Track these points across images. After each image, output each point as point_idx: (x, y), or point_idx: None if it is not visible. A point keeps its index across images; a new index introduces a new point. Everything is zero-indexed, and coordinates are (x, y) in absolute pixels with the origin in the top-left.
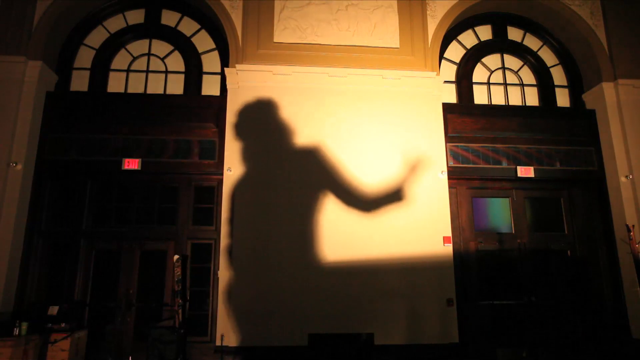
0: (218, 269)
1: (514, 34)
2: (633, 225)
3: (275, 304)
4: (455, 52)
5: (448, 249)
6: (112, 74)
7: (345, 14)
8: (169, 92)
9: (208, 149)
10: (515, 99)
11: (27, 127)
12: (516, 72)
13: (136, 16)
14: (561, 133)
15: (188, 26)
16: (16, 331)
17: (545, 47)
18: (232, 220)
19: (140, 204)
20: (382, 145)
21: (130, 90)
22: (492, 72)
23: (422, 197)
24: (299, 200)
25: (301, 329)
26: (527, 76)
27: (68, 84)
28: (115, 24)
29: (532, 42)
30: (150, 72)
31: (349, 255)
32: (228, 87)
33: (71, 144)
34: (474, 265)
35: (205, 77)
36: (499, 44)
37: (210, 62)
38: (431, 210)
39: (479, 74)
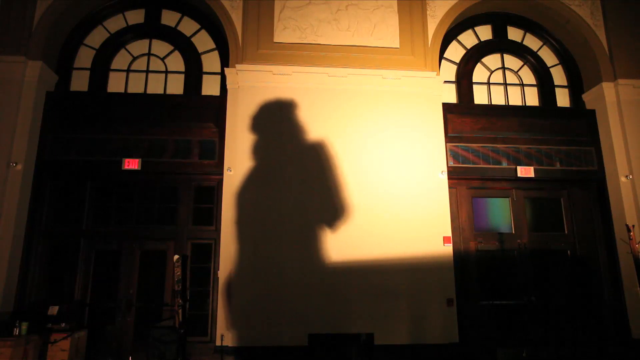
0: (218, 269)
1: (514, 34)
2: (633, 225)
3: (275, 304)
4: (455, 52)
5: (448, 249)
6: (112, 74)
7: (345, 14)
8: (169, 92)
9: (208, 149)
10: (515, 99)
11: (27, 127)
12: (516, 72)
13: (136, 16)
14: (561, 133)
15: (188, 26)
16: (16, 331)
17: (545, 47)
18: (233, 220)
19: (140, 204)
20: (383, 145)
21: (130, 90)
22: (492, 72)
23: (422, 197)
24: (299, 199)
25: (301, 329)
26: (527, 76)
27: (68, 84)
28: (115, 24)
29: (532, 42)
30: (150, 72)
31: (349, 255)
32: (228, 87)
33: (71, 144)
34: (474, 265)
35: (205, 77)
36: (499, 44)
37: (210, 62)
38: (431, 210)
39: (479, 74)
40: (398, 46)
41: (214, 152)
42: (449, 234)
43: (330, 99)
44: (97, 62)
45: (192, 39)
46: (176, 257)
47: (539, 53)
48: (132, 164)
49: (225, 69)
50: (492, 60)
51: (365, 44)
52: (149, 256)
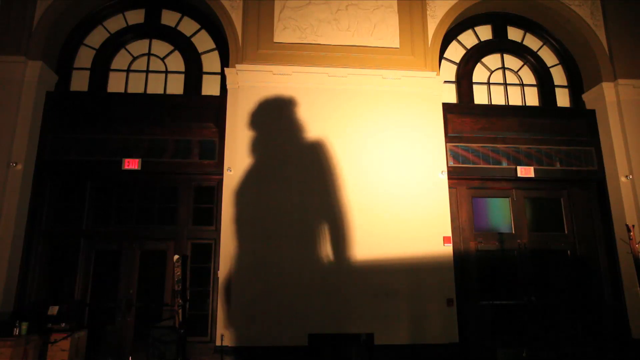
0: (218, 269)
1: (514, 34)
2: (633, 225)
3: (275, 304)
4: (455, 52)
5: (448, 249)
6: (112, 74)
7: (345, 14)
8: (169, 92)
9: (208, 149)
10: (515, 99)
11: (27, 127)
12: (516, 72)
13: (136, 16)
14: (561, 133)
15: (188, 26)
16: (16, 331)
17: (545, 47)
18: (233, 220)
19: (140, 204)
20: (382, 145)
21: (130, 90)
22: (492, 72)
23: (422, 197)
24: (299, 200)
25: (301, 329)
26: (527, 76)
27: (68, 84)
28: (115, 24)
29: (532, 42)
30: (150, 72)
31: (349, 256)
32: (228, 87)
33: (71, 144)
34: (474, 265)
35: (205, 77)
36: (499, 44)
37: (210, 62)
38: (431, 210)
39: (479, 74)
40: (398, 46)
41: (214, 152)
42: (449, 234)
43: (330, 99)
44: (97, 62)
45: (192, 39)
46: (176, 257)
47: (539, 53)
48: (132, 164)
49: (225, 69)
50: (492, 60)
51: (365, 44)
52: (149, 256)
